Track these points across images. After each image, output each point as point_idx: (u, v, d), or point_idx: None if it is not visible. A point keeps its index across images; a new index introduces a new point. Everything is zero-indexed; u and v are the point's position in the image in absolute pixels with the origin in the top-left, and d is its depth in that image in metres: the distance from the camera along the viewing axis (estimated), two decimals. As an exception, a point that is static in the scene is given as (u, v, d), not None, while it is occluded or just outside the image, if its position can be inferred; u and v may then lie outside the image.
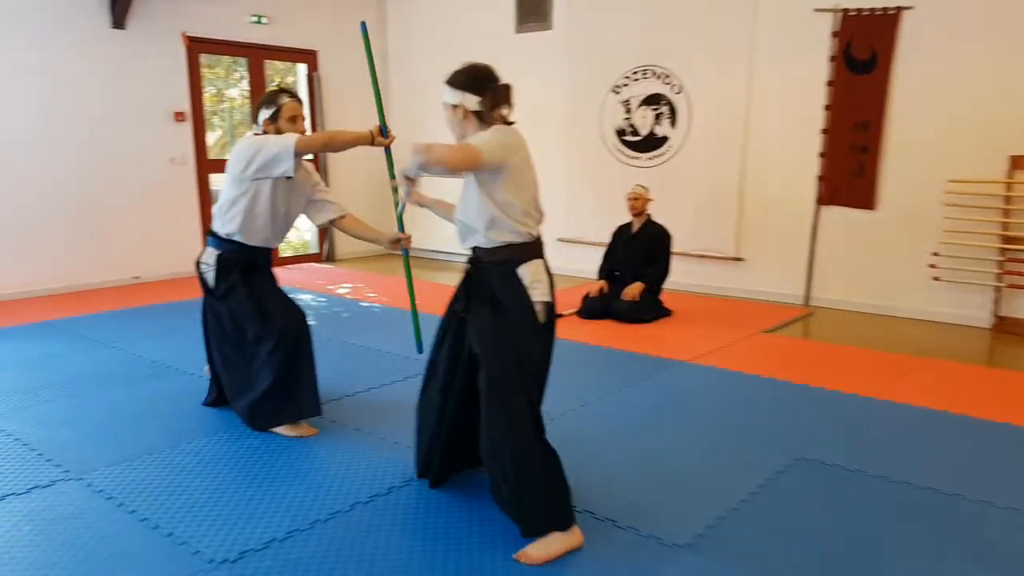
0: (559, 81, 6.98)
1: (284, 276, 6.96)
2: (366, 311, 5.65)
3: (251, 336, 3.15)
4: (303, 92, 7.88)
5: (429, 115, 7.48)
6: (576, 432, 3.20)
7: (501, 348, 2.27)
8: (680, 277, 6.04)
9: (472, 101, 2.30)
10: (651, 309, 5.25)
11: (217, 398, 3.45)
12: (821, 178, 5.71)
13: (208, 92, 8.33)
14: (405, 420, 3.38)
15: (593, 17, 6.71)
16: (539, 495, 2.23)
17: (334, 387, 3.77)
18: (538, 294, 2.28)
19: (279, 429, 3.20)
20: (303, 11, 7.55)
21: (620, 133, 6.71)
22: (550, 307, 2.32)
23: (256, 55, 7.37)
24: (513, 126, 2.35)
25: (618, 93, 6.68)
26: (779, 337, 4.96)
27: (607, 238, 5.60)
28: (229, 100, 9.27)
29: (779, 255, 5.98)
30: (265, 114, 3.15)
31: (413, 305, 3.23)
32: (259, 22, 7.23)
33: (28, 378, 3.89)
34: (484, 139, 2.21)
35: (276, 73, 8.68)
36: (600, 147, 6.82)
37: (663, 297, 5.42)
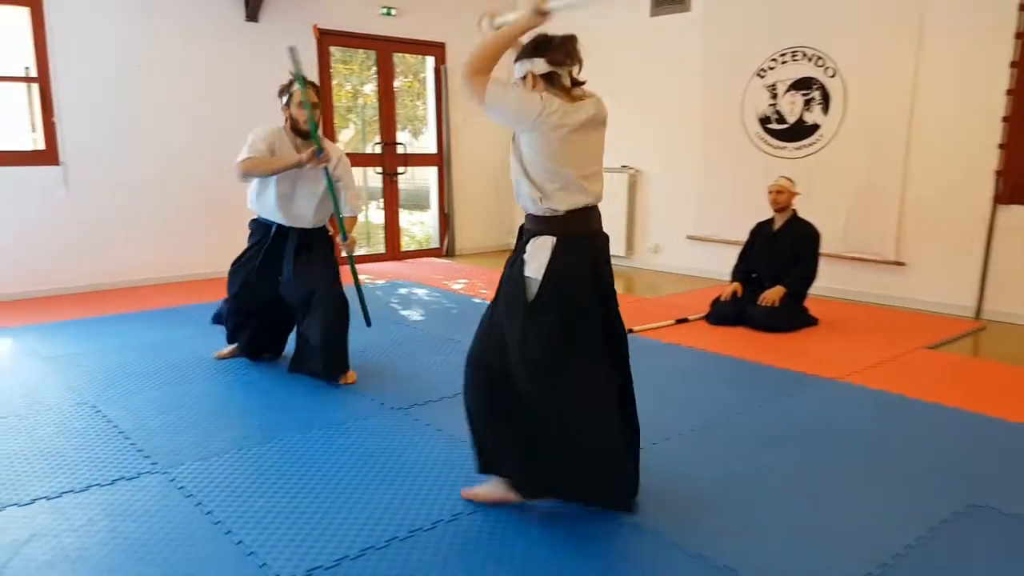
0: (697, 66, 6.48)
1: (404, 271, 6.99)
2: (476, 308, 5.44)
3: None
4: (430, 85, 7.80)
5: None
6: (692, 458, 2.79)
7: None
8: (828, 282, 5.39)
9: (540, 64, 2.21)
10: (793, 316, 4.66)
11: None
12: (1000, 173, 4.91)
13: (345, 88, 8.44)
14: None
15: (736, -4, 6.17)
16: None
17: (433, 387, 3.55)
18: (529, 269, 2.20)
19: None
20: (432, 3, 7.45)
21: (764, 121, 6.12)
22: (542, 288, 2.18)
23: (384, 48, 7.35)
24: (582, 102, 2.21)
25: (763, 77, 6.09)
26: (945, 354, 4.27)
27: (744, 236, 5.06)
28: (364, 96, 9.38)
29: (947, 260, 5.20)
30: (282, 100, 3.54)
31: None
32: (388, 14, 7.19)
33: (141, 363, 3.91)
34: (505, 86, 2.18)
35: (407, 68, 8.67)
36: (740, 136, 6.25)
37: (807, 304, 4.83)
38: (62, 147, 5.50)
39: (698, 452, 2.85)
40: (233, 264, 3.78)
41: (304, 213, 3.61)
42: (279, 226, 3.63)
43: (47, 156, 5.46)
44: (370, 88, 8.72)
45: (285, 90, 3.52)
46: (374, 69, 7.56)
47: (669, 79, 6.71)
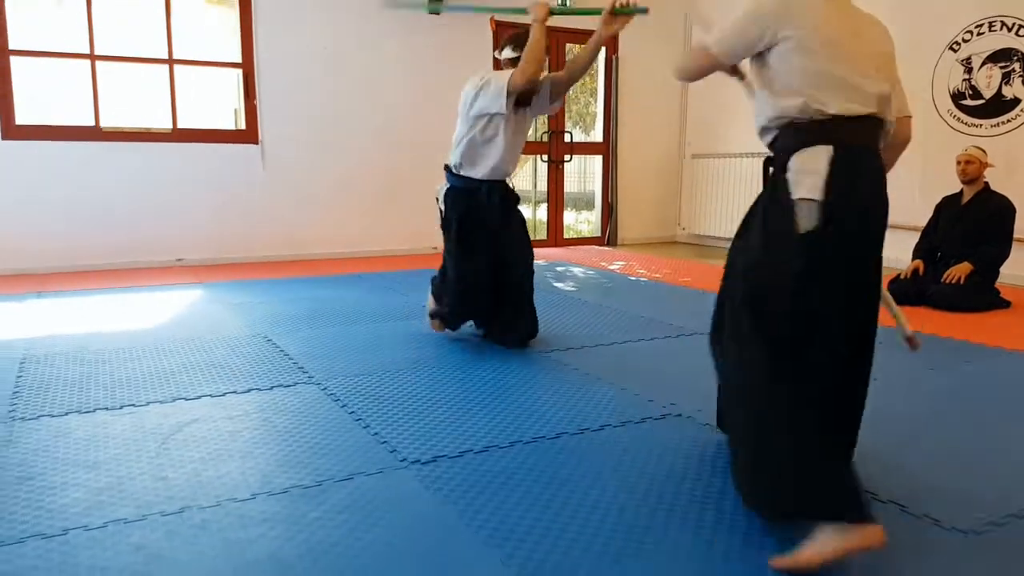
0: (881, 44, 6.05)
1: (563, 253, 7.07)
2: (629, 282, 5.39)
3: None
4: (601, 74, 7.87)
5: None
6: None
7: (745, 274, 1.85)
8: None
9: None
10: (981, 296, 4.21)
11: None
12: None
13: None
14: (640, 371, 3.08)
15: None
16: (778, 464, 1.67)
17: (577, 338, 3.58)
18: (800, 188, 1.73)
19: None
20: (605, -6, 7.52)
21: (956, 97, 5.59)
22: (821, 210, 1.70)
23: (557, 38, 7.51)
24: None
25: (955, 51, 5.57)
26: None
27: (932, 218, 4.64)
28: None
29: None
30: (509, 54, 3.17)
31: None
32: (563, 4, 7.34)
33: (312, 310, 4.24)
34: (730, 29, 1.88)
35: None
36: (931, 113, 5.74)
37: (999, 286, 4.33)
38: (261, 128, 6.12)
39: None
40: (451, 245, 3.35)
41: (519, 158, 3.38)
42: (489, 184, 3.30)
43: (248, 135, 6.11)
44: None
45: (519, 45, 3.15)
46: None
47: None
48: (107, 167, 5.61)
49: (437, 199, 3.42)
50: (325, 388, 2.81)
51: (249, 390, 2.79)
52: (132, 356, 3.23)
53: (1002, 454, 2.24)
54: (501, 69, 3.21)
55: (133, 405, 2.60)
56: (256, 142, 6.12)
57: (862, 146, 1.77)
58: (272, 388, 2.82)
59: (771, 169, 1.87)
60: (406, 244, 6.80)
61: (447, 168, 3.38)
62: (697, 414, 2.52)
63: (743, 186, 7.05)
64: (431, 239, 6.91)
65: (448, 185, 3.36)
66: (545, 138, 7.57)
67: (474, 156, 3.23)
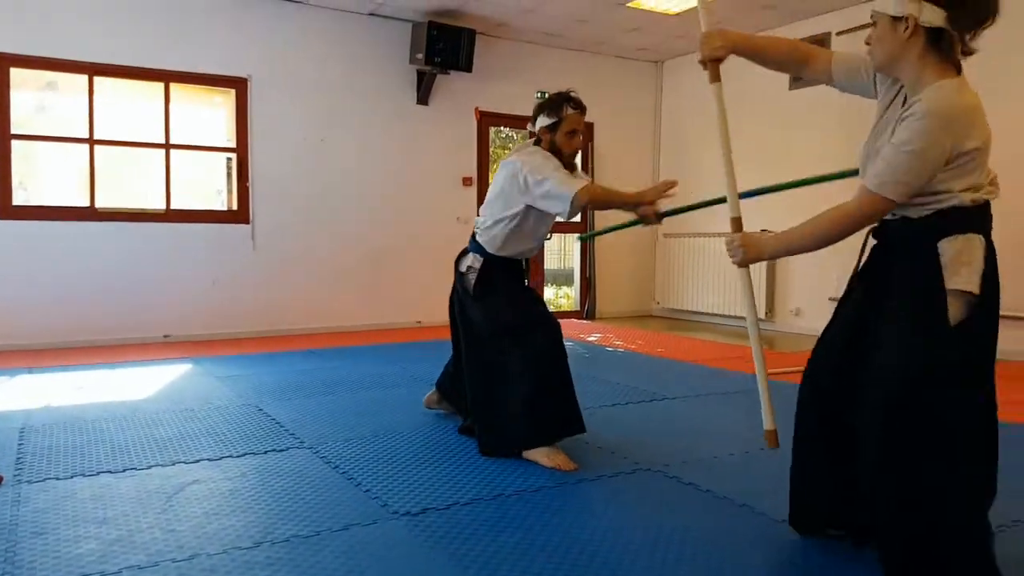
0: (836, 135, 6.52)
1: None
2: (607, 353, 5.62)
3: (507, 342, 2.92)
4: (578, 161, 8.26)
5: (696, 178, 7.49)
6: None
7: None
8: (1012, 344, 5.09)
9: (934, 14, 1.61)
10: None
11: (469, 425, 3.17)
12: None
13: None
14: (616, 432, 3.27)
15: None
16: None
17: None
18: (956, 279, 1.65)
19: (533, 455, 2.80)
20: (586, 88, 7.95)
21: (906, 181, 6.01)
22: (975, 302, 1.65)
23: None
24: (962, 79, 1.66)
25: (905, 138, 6.02)
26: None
27: None
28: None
29: None
30: (544, 121, 2.94)
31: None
32: (544, 97, 7.80)
33: (300, 382, 4.41)
34: (903, 163, 1.62)
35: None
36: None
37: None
38: (252, 208, 6.40)
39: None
40: (505, 316, 3.01)
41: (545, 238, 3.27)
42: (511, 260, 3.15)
43: (239, 215, 6.38)
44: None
45: (554, 109, 2.93)
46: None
47: (809, 147, 6.77)
48: (101, 246, 5.82)
49: (463, 274, 3.14)
50: (317, 452, 2.97)
51: (244, 454, 2.94)
52: (128, 425, 3.37)
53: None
54: (536, 139, 3.02)
55: (135, 468, 2.74)
56: (247, 222, 6.38)
57: (990, 233, 1.73)
58: (266, 452, 2.97)
59: (876, 240, 1.83)
60: (389, 318, 7.01)
61: (476, 243, 3.16)
62: (665, 468, 2.72)
63: (713, 263, 7.39)
64: (415, 313, 7.14)
65: (482, 259, 3.10)
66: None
67: (512, 240, 3.06)
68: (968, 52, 1.67)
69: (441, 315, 7.17)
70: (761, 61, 2.04)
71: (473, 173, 7.49)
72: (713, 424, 3.45)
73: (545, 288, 8.26)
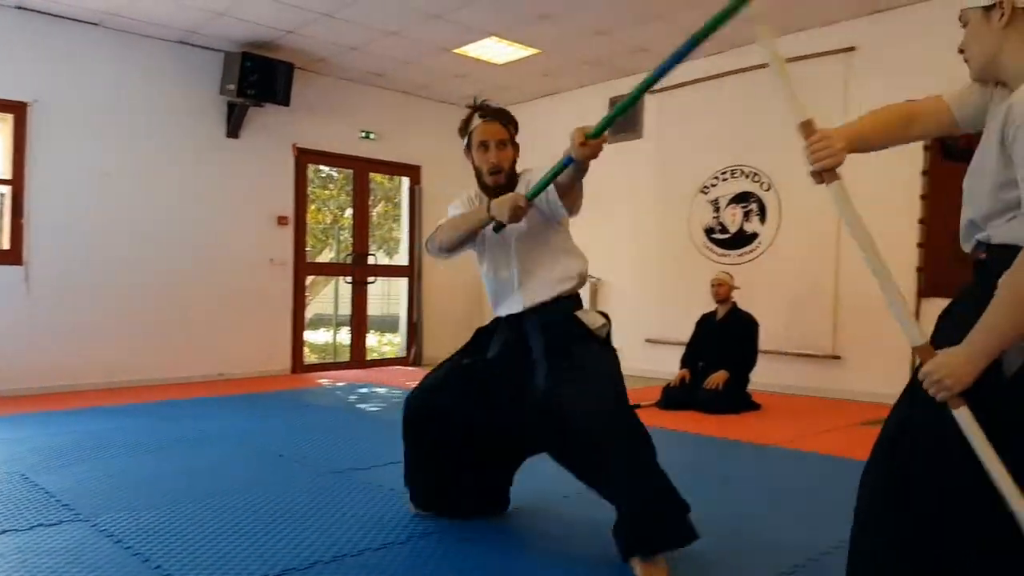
0: (649, 185, 6.95)
1: (366, 375, 7.07)
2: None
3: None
4: (404, 204, 8.22)
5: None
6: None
7: None
8: (770, 377, 5.58)
9: None
10: (737, 400, 4.84)
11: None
12: (920, 270, 5.26)
13: (321, 210, 8.85)
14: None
15: (681, 124, 6.75)
16: None
17: (371, 458, 3.60)
18: None
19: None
20: (409, 128, 7.97)
21: (709, 232, 6.52)
22: None
23: (361, 167, 7.80)
24: None
25: (706, 193, 6.55)
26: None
27: (695, 333, 5.30)
28: (342, 219, 9.73)
29: (880, 352, 5.42)
30: (464, 143, 2.58)
31: None
32: (367, 137, 7.68)
33: (74, 444, 3.87)
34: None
35: (383, 193, 9.12)
36: (689, 247, 6.63)
37: (751, 392, 4.97)
38: (27, 248, 5.66)
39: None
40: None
41: (535, 273, 2.49)
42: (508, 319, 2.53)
43: (11, 256, 5.62)
44: (348, 213, 9.15)
45: (462, 128, 2.57)
46: (350, 187, 7.98)
47: (627, 196, 7.15)
48: None
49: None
50: (96, 525, 2.58)
51: (3, 531, 2.51)
52: None
53: (754, 522, 2.55)
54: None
55: None
56: (20, 263, 5.64)
57: None
58: (32, 528, 2.54)
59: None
60: (187, 371, 6.44)
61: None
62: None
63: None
64: (217, 365, 6.59)
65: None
66: (349, 260, 7.68)
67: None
68: None
69: (248, 366, 6.75)
70: (868, 148, 1.70)
71: (290, 212, 7.15)
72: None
73: (367, 336, 8.02)
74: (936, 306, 5.03)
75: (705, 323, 5.21)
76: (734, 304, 5.09)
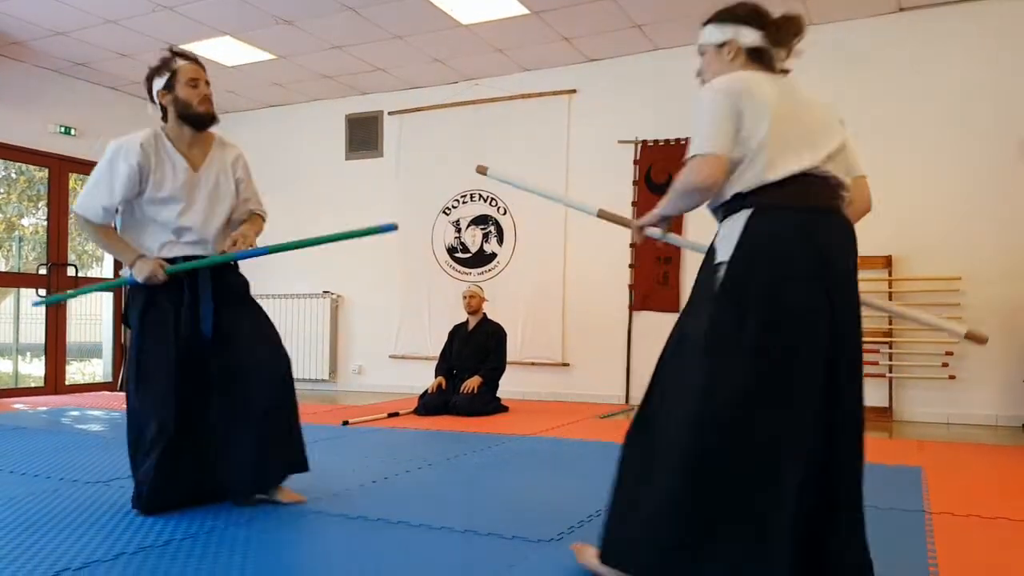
0: (391, 204, 7.08)
1: (73, 400, 6.19)
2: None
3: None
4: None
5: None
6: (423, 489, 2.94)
7: None
8: (511, 386, 6.02)
9: (750, 35, 1.83)
10: (489, 403, 5.18)
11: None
12: (632, 287, 6.14)
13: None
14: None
15: (420, 145, 7.03)
16: None
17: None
18: (720, 252, 1.75)
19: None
20: (118, 126, 7.15)
21: (451, 251, 6.87)
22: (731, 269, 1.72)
23: (59, 166, 6.87)
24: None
25: (448, 214, 6.90)
26: (606, 420, 5.10)
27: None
28: (20, 228, 8.44)
29: (601, 359, 6.19)
30: (158, 83, 2.56)
31: None
32: (67, 133, 6.81)
33: None
34: (704, 126, 1.78)
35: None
36: (432, 264, 6.91)
37: (499, 397, 5.35)
38: None
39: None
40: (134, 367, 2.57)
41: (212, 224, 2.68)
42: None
43: None
44: (28, 221, 7.94)
45: (163, 67, 2.57)
46: (38, 191, 6.97)
47: (366, 213, 7.20)
48: None
49: None
50: None
51: None
52: None
53: (533, 492, 2.80)
54: (163, 112, 2.64)
55: None
56: None
57: None
58: None
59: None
60: None
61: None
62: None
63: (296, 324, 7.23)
64: None
65: None
66: (43, 270, 6.69)
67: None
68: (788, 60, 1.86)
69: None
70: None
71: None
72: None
73: (67, 365, 7.01)
74: (644, 319, 6.02)
75: (457, 333, 5.49)
76: (484, 315, 5.44)
